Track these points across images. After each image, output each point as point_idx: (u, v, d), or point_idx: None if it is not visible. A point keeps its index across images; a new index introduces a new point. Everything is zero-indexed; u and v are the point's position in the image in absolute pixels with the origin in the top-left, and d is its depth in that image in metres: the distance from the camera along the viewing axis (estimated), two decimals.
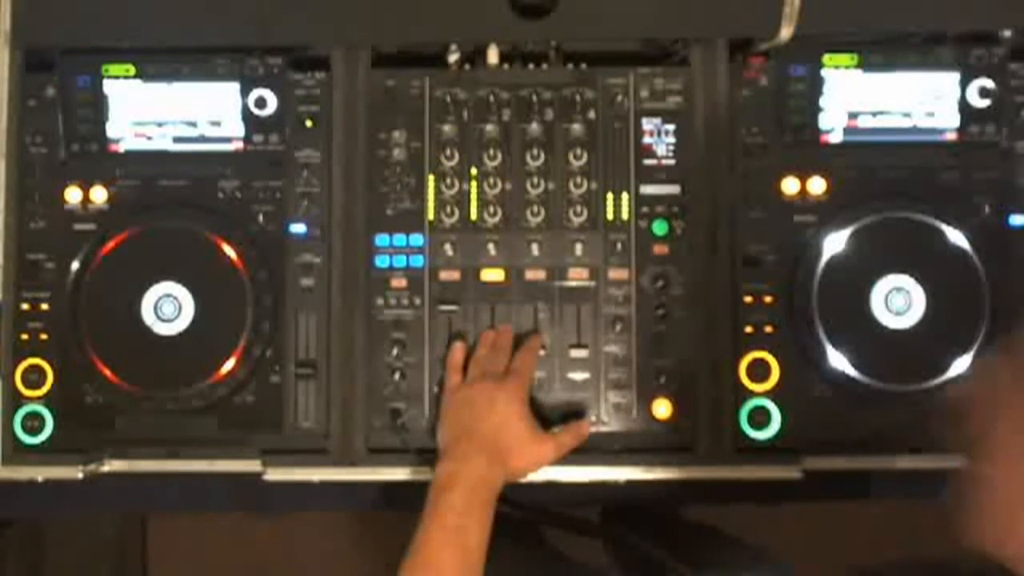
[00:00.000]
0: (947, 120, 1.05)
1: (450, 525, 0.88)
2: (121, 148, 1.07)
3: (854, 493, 1.08)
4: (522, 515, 1.07)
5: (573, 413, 1.03)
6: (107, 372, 1.02)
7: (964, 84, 1.04)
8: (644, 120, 1.05)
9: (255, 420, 1.04)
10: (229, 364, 1.02)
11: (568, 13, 1.05)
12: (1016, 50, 1.05)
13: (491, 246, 1.04)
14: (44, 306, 1.05)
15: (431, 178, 1.05)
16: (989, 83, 1.04)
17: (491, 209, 1.05)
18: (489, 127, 1.06)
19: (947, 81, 1.05)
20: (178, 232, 1.04)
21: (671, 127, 1.05)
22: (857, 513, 1.80)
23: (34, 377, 1.04)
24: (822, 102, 1.05)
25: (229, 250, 1.03)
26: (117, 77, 1.06)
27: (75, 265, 1.04)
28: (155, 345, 1.03)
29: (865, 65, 1.05)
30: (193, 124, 1.06)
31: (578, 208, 1.05)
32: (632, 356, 1.03)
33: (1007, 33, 1.06)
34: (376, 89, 1.06)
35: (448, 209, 1.05)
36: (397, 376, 1.03)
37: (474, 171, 1.05)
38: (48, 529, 1.69)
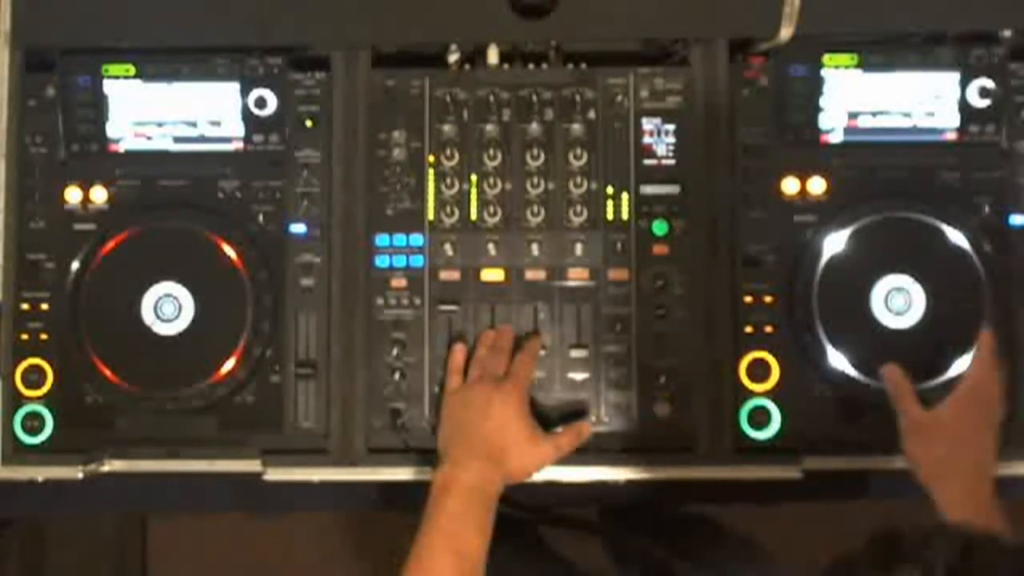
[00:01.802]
0: (947, 120, 1.05)
1: (447, 530, 0.88)
2: (121, 148, 1.06)
3: (854, 493, 1.08)
4: (522, 515, 1.07)
5: (574, 413, 1.03)
6: (107, 372, 1.02)
7: (964, 84, 1.04)
8: (644, 120, 1.05)
9: (255, 420, 1.04)
10: (229, 364, 1.02)
11: (568, 13, 1.05)
12: (1016, 50, 1.05)
13: (491, 246, 1.04)
14: (44, 306, 1.05)
15: (431, 178, 1.05)
16: (989, 83, 1.04)
17: (491, 209, 1.05)
18: (489, 127, 1.06)
19: (947, 81, 1.05)
20: (178, 232, 1.04)
21: (671, 127, 1.05)
22: (857, 513, 1.80)
23: (34, 377, 1.04)
24: (822, 102, 1.05)
25: (229, 250, 1.03)
26: (117, 77, 1.06)
27: (75, 265, 1.04)
28: (155, 345, 1.03)
29: (865, 65, 1.05)
30: (193, 124, 1.06)
31: (578, 208, 1.05)
32: (632, 356, 1.03)
33: (1007, 33, 1.06)
34: (376, 89, 1.06)
35: (448, 209, 1.05)
36: (397, 376, 1.03)
37: (474, 171, 1.05)
38: (48, 529, 1.69)
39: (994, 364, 0.96)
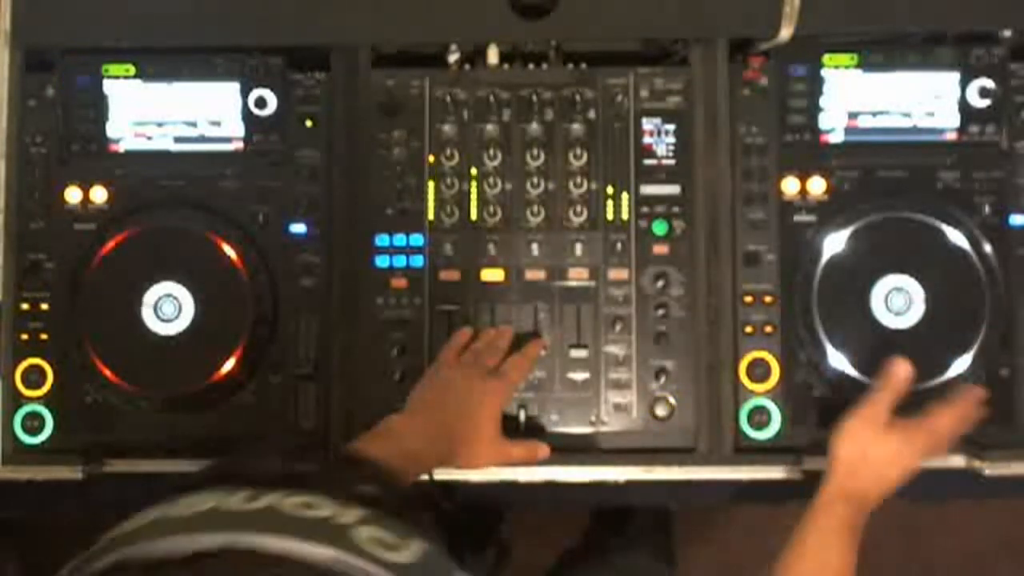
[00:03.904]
0: (947, 120, 1.05)
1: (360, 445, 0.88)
2: (121, 148, 1.06)
3: None
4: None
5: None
6: (107, 372, 1.02)
7: (964, 84, 1.04)
8: (644, 120, 1.05)
9: (255, 420, 1.04)
10: (229, 364, 1.02)
11: (568, 13, 1.05)
12: (1016, 50, 1.05)
13: (491, 246, 1.04)
14: (44, 306, 1.05)
15: (431, 178, 1.05)
16: (989, 83, 1.04)
17: (491, 209, 1.05)
18: (489, 127, 1.06)
19: (947, 81, 1.05)
20: (178, 232, 1.04)
21: (671, 127, 1.05)
22: None
23: (34, 377, 1.04)
24: (822, 102, 1.05)
25: (229, 250, 1.03)
26: (117, 77, 1.06)
27: (75, 265, 1.04)
28: (155, 345, 1.03)
29: (865, 65, 1.05)
30: (193, 124, 1.06)
31: (578, 208, 1.05)
32: (632, 356, 1.03)
33: (1007, 33, 1.06)
34: (376, 89, 1.06)
35: (448, 209, 1.05)
36: (397, 376, 1.03)
37: (474, 171, 1.05)
38: (48, 529, 1.69)
39: (969, 416, 0.96)
